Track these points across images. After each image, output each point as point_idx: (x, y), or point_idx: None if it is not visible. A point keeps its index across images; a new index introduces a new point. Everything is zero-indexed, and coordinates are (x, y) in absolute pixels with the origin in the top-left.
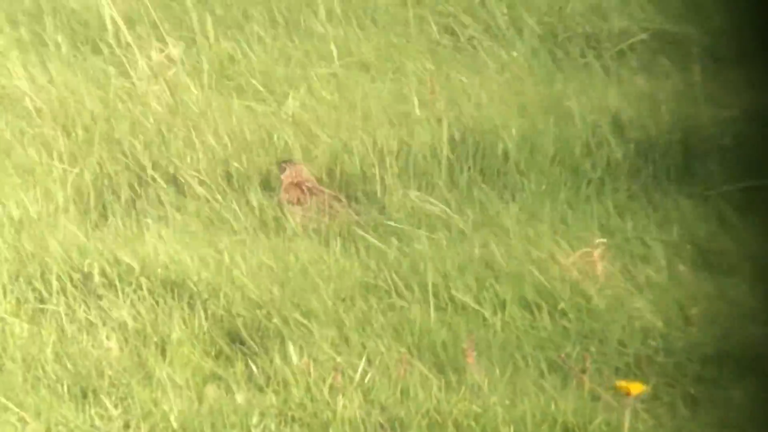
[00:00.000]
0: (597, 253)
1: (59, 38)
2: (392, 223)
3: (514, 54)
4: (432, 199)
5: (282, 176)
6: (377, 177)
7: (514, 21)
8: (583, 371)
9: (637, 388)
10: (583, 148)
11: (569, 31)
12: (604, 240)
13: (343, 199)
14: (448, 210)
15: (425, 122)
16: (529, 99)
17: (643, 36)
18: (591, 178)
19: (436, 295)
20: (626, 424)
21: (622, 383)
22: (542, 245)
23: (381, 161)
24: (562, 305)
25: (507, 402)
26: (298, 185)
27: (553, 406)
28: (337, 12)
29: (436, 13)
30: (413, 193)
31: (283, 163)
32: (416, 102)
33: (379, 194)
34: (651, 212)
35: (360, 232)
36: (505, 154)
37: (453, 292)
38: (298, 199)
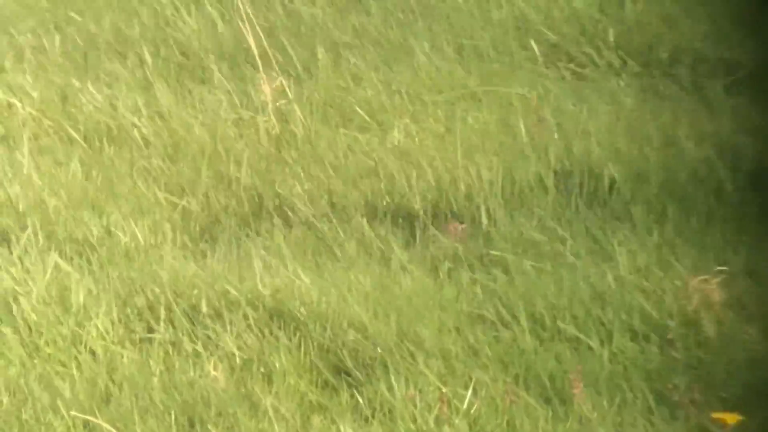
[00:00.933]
0: (716, 281)
1: (168, 69)
2: (498, 253)
3: (621, 83)
4: (537, 230)
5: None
6: (483, 207)
7: (621, 50)
8: (692, 402)
9: (733, 418)
10: (691, 178)
11: (677, 60)
12: (725, 268)
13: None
14: (554, 240)
15: (531, 151)
16: (636, 128)
17: (752, 66)
18: (700, 208)
19: (542, 326)
20: None
21: (718, 414)
22: (651, 275)
23: (486, 191)
24: (671, 335)
25: None
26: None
27: None
28: (442, 42)
29: (542, 43)
30: (519, 223)
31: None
32: (522, 131)
33: (485, 224)
34: (763, 242)
35: (468, 259)
36: (612, 184)
37: (559, 322)
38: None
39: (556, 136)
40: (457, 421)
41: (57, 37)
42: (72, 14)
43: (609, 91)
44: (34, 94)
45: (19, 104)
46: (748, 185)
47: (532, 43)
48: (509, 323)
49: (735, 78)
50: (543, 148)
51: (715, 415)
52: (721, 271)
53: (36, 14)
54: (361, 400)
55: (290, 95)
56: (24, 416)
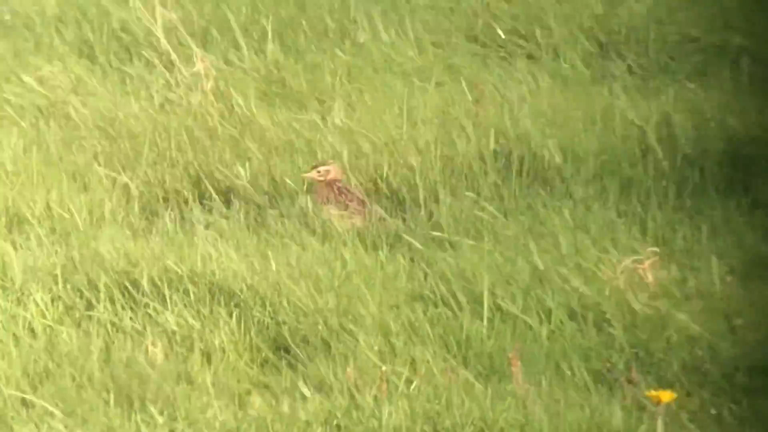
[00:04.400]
0: (648, 262)
1: (104, 48)
2: (438, 234)
3: (563, 63)
4: (479, 208)
5: (312, 175)
6: (424, 185)
7: (563, 32)
8: (629, 381)
9: (667, 396)
10: (630, 159)
11: (617, 42)
12: (656, 249)
13: (368, 202)
14: (494, 218)
15: (472, 130)
16: (576, 109)
17: (692, 46)
18: (639, 187)
19: (482, 304)
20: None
21: (652, 392)
22: (589, 254)
23: (427, 169)
24: (608, 315)
25: (552, 411)
26: (329, 185)
27: (598, 416)
28: (384, 21)
29: (486, 23)
30: (460, 202)
31: (315, 164)
32: (463, 110)
33: (426, 202)
34: (700, 222)
35: (408, 239)
36: (552, 164)
37: (499, 301)
38: (328, 198)
39: (496, 115)
40: (396, 398)
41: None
42: None
43: (551, 70)
44: None
45: None
46: (687, 166)
47: (477, 22)
48: (449, 302)
49: (678, 59)
50: (484, 128)
51: (649, 393)
52: (654, 252)
53: None
54: (300, 378)
55: (228, 73)
56: None
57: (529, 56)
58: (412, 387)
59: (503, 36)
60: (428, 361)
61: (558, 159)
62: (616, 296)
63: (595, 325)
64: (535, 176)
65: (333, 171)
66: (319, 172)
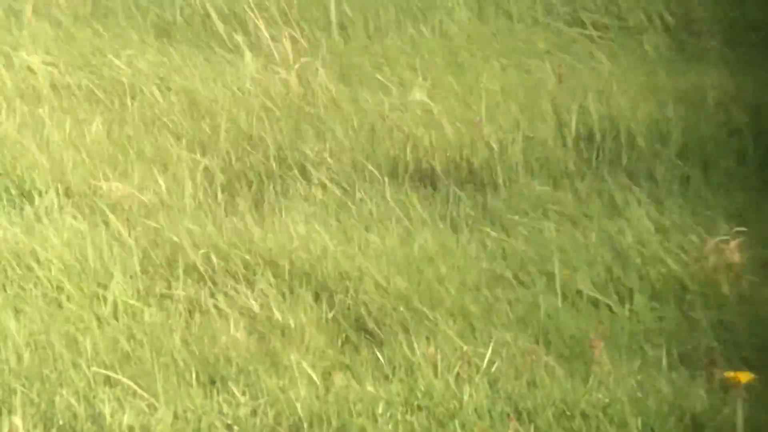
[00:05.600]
0: (734, 243)
1: (187, 28)
2: (516, 218)
3: (645, 43)
4: (558, 189)
5: None
6: (503, 166)
7: (646, 11)
8: (712, 363)
9: (746, 377)
10: (713, 139)
11: (705, 21)
12: (743, 229)
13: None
14: (574, 200)
15: (552, 112)
16: (660, 89)
17: None
18: (722, 169)
19: (562, 286)
20: (739, 413)
21: (731, 373)
22: (672, 235)
23: (507, 150)
24: (691, 296)
25: (635, 393)
26: None
27: (680, 398)
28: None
29: (565, 4)
30: (541, 183)
31: None
32: (543, 91)
33: (505, 185)
34: None
35: (487, 220)
36: (634, 144)
37: (579, 282)
38: None
39: (578, 96)
40: (477, 380)
41: None
42: None
43: (633, 50)
44: (56, 53)
45: (40, 63)
46: None
47: (557, 5)
48: (529, 283)
49: (764, 42)
50: (564, 109)
51: (728, 373)
52: (741, 232)
53: None
54: (381, 358)
55: (311, 54)
56: (45, 372)
57: (612, 36)
58: (494, 368)
59: (586, 15)
60: (508, 343)
61: (640, 139)
62: (699, 277)
63: (678, 307)
64: (617, 157)
65: None
66: None
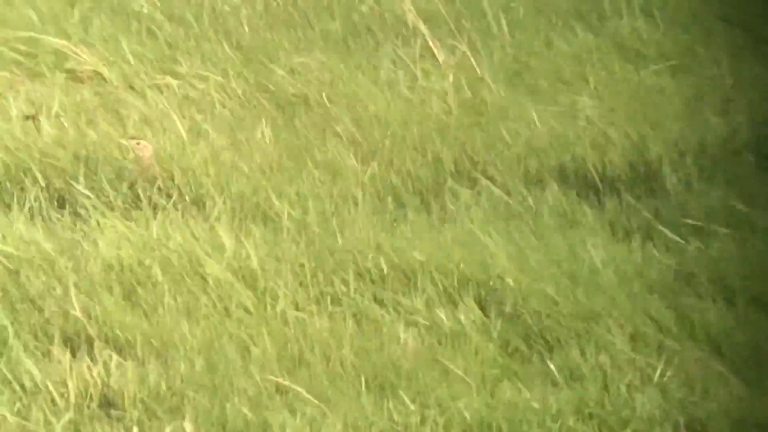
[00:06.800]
0: None
1: (355, 37)
2: (690, 222)
3: None
4: (733, 196)
5: None
6: (675, 174)
7: None
8: None
9: None
10: None
11: None
12: None
13: None
14: (749, 207)
15: (723, 119)
16: None
17: None
18: None
19: (736, 295)
20: None
21: None
22: None
23: (680, 158)
24: None
25: None
26: None
27: None
28: (637, 9)
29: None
30: (714, 190)
31: None
32: (716, 98)
33: (677, 191)
34: None
35: (659, 228)
36: None
37: (755, 292)
38: None
39: (751, 101)
40: (650, 389)
41: (257, 5)
42: None
43: None
44: (226, 63)
45: (210, 73)
46: None
47: (729, 12)
48: (701, 292)
49: None
50: (736, 114)
51: None
52: None
53: None
54: (551, 367)
55: (476, 63)
56: (217, 379)
57: None
58: (666, 377)
59: (757, 26)
60: (680, 352)
61: None
62: None
63: None
64: None
65: None
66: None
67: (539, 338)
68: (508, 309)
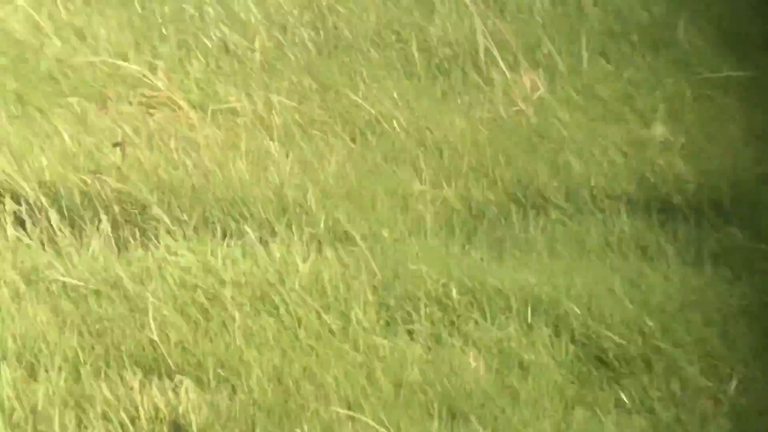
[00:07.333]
0: None
1: (424, 62)
2: (764, 246)
3: None
4: None
5: None
6: (752, 199)
7: None
8: None
9: None
10: None
11: None
12: None
13: None
14: None
15: None
16: None
17: None
18: None
19: None
20: None
21: None
22: None
23: (755, 184)
24: None
25: None
26: None
27: None
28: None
29: None
30: None
31: None
32: None
33: (751, 218)
34: None
35: (732, 254)
36: None
37: None
38: None
39: None
40: (721, 416)
41: (320, 31)
42: (337, 6)
43: None
44: (291, 87)
45: (275, 97)
46: None
47: None
48: None
49: None
50: None
51: None
52: None
53: (299, 3)
54: (622, 395)
55: (545, 89)
56: (288, 405)
57: None
58: (738, 405)
59: None
60: (753, 379)
61: None
62: None
63: None
64: None
65: None
66: None
67: (610, 364)
68: (578, 334)
